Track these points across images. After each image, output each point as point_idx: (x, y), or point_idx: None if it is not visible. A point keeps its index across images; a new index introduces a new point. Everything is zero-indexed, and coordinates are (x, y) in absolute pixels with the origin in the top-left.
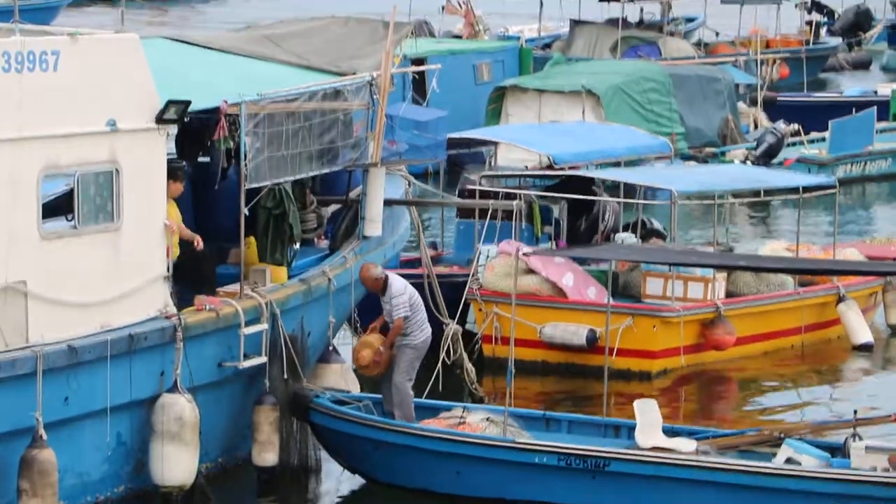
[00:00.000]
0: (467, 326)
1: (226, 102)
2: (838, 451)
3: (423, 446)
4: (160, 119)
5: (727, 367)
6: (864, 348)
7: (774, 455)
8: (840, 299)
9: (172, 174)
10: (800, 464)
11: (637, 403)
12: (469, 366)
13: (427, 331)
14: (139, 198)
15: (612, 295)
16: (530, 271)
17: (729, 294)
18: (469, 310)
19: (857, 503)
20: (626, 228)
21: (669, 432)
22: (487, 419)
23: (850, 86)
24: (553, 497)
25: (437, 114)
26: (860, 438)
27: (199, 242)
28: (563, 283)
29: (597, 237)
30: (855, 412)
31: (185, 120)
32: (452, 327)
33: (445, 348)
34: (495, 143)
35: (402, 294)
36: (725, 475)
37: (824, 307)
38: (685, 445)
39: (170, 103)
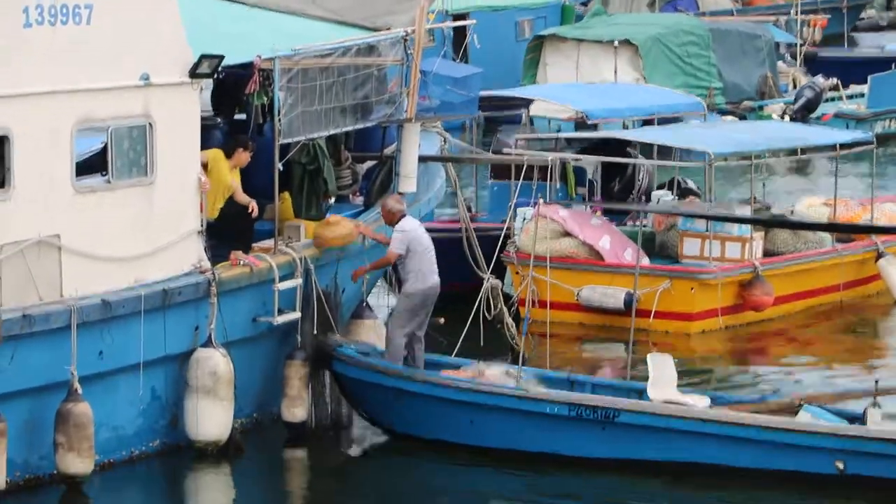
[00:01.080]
0: (504, 288)
1: (259, 57)
2: (857, 419)
3: (438, 394)
4: (193, 73)
5: (764, 329)
6: None
7: None
8: (879, 255)
9: (242, 143)
10: None
11: (650, 357)
12: (509, 320)
13: (427, 283)
14: (173, 152)
15: (649, 256)
16: (566, 234)
17: (766, 253)
18: (506, 272)
19: (862, 459)
20: (660, 188)
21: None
22: (506, 373)
23: (889, 42)
24: (564, 448)
25: (471, 70)
26: (880, 407)
27: (254, 208)
28: (600, 245)
29: (632, 197)
30: (876, 381)
31: (219, 75)
32: (491, 282)
33: (484, 303)
34: (528, 100)
35: (401, 231)
36: (733, 428)
37: (863, 263)
38: (698, 401)
39: (203, 57)
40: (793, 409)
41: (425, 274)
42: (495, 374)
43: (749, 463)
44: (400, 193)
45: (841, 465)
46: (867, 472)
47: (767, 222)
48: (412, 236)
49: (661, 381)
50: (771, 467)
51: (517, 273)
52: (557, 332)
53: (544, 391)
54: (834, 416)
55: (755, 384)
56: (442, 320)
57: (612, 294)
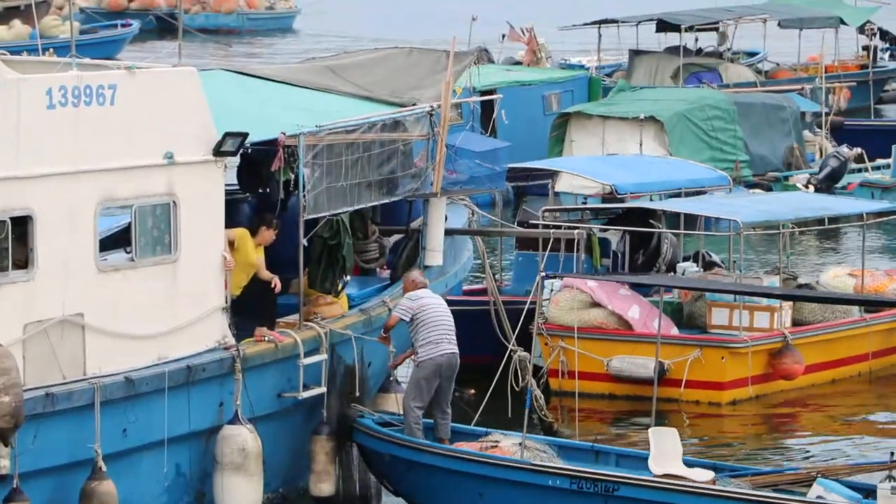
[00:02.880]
0: (533, 360)
1: (283, 134)
2: (873, 493)
3: (445, 465)
4: (218, 151)
5: (793, 398)
6: None
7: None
8: None
9: (267, 221)
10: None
11: (652, 431)
12: (538, 392)
13: (441, 351)
14: (197, 230)
15: (677, 326)
16: (595, 304)
17: (794, 322)
18: (534, 342)
19: None
20: (685, 260)
21: (709, 468)
22: (520, 444)
23: None
24: None
25: (498, 144)
26: (894, 480)
27: (277, 284)
28: (629, 315)
29: (656, 268)
30: (892, 454)
31: (245, 152)
32: (519, 354)
33: (512, 374)
34: (554, 173)
35: (409, 300)
36: (726, 503)
37: (891, 333)
38: (700, 475)
39: (227, 135)
40: (809, 481)
41: (436, 343)
42: (509, 446)
43: None
44: (426, 267)
45: None
46: None
47: (795, 297)
48: (419, 304)
49: (664, 455)
50: None
51: (546, 344)
52: (587, 404)
53: (545, 463)
54: (848, 489)
55: (779, 454)
56: (472, 392)
57: (642, 364)
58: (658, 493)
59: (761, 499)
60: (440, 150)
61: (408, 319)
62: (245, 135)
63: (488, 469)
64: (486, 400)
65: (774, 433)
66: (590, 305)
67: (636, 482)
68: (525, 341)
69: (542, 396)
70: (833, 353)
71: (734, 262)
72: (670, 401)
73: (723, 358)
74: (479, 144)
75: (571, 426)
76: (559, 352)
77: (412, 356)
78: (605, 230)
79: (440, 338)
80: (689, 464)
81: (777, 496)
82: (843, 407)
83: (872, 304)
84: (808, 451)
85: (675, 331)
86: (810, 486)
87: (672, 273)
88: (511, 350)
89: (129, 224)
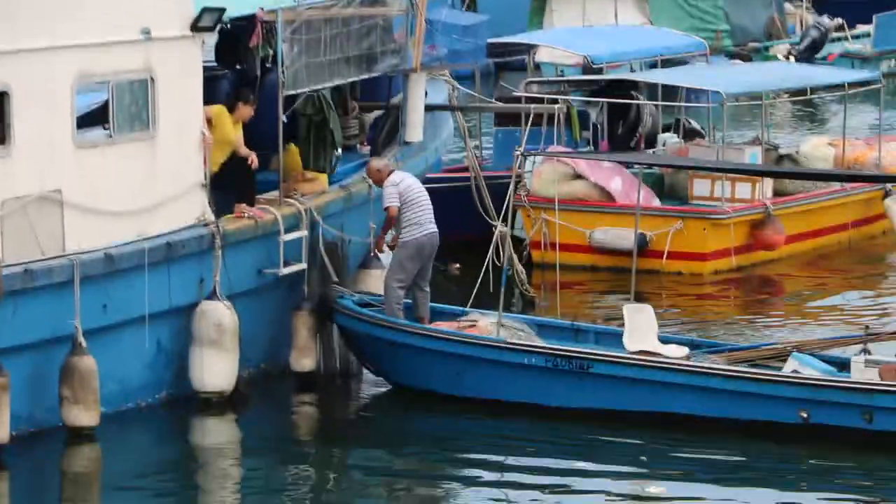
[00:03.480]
0: (515, 232)
1: (261, 9)
2: (848, 366)
3: (423, 345)
4: (195, 27)
5: (774, 269)
6: None
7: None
8: (886, 194)
9: (244, 97)
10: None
11: (626, 308)
12: (519, 267)
13: (424, 231)
14: (175, 106)
15: (659, 197)
16: (578, 176)
17: (775, 192)
18: (516, 215)
19: (821, 408)
20: (665, 130)
21: (686, 344)
22: (501, 324)
23: None
24: (544, 398)
25: (477, 18)
26: (869, 353)
27: (253, 160)
28: (612, 187)
29: (635, 140)
30: (866, 327)
31: (223, 27)
32: (500, 229)
33: (494, 250)
34: (534, 46)
35: (391, 185)
36: (701, 378)
37: (871, 202)
38: (674, 351)
39: (204, 10)
40: (784, 356)
41: (420, 224)
42: (487, 325)
43: (719, 412)
44: (406, 143)
45: (805, 415)
46: (830, 421)
47: (776, 174)
48: (403, 187)
49: (639, 332)
50: (739, 417)
51: (528, 216)
52: (569, 276)
53: (521, 341)
54: (822, 362)
55: (759, 328)
56: (456, 266)
57: (624, 235)
58: (631, 370)
59: (732, 374)
60: (419, 24)
61: (399, 204)
62: (222, 10)
63: (464, 348)
64: (479, 280)
65: (755, 305)
66: (572, 178)
67: (610, 359)
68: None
69: (524, 271)
70: (814, 224)
71: (717, 133)
72: (652, 272)
73: (704, 229)
74: (459, 19)
75: (553, 300)
76: (541, 224)
77: (395, 237)
78: (586, 102)
79: (423, 218)
80: (666, 340)
81: (748, 371)
82: (824, 278)
83: (851, 180)
84: (787, 324)
85: (656, 202)
86: (786, 360)
87: (652, 144)
88: (493, 226)
89: (107, 100)
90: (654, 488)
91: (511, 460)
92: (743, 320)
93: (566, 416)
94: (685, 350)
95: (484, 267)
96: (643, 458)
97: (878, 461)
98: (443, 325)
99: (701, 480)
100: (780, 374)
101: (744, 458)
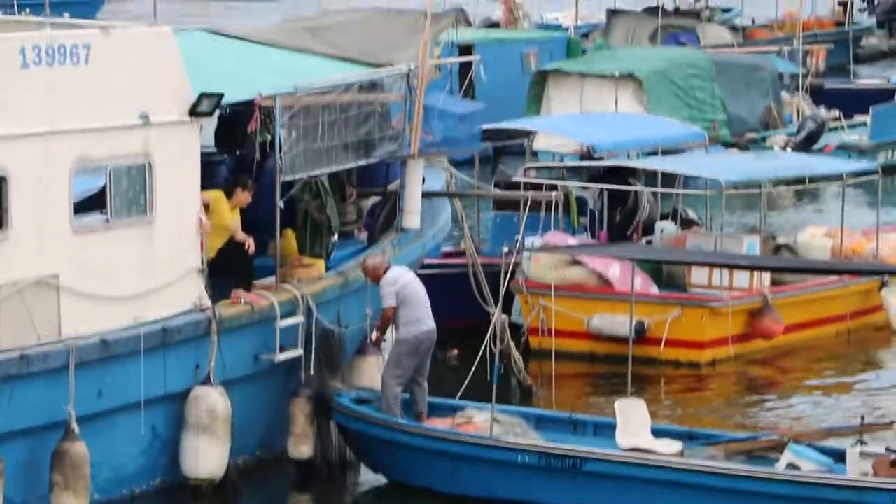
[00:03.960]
0: (512, 318)
1: (260, 95)
2: (843, 456)
3: (419, 444)
4: (193, 112)
5: (773, 358)
6: None
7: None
8: (883, 285)
9: (242, 182)
10: (798, 469)
11: (618, 403)
12: (516, 354)
13: (423, 328)
14: (172, 191)
15: (657, 285)
16: (576, 262)
17: (773, 282)
18: (514, 301)
19: None
20: (663, 218)
21: (683, 436)
22: (496, 419)
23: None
24: (537, 497)
25: (474, 106)
26: (864, 444)
27: (251, 246)
28: (610, 274)
29: (633, 228)
30: (862, 418)
31: (223, 112)
32: (499, 316)
33: (491, 338)
34: (532, 133)
35: (389, 285)
36: (694, 476)
37: (869, 293)
38: (667, 447)
39: (203, 96)
40: (781, 447)
41: (418, 320)
42: (482, 421)
43: None
44: (403, 229)
45: None
46: None
47: (773, 269)
48: (401, 285)
49: (631, 428)
50: None
51: (526, 302)
52: (567, 364)
53: (513, 440)
54: (819, 454)
55: (757, 417)
56: (455, 353)
57: (622, 322)
58: (624, 468)
59: (725, 471)
60: (417, 110)
61: (396, 304)
62: (221, 95)
63: (458, 447)
64: (472, 370)
65: (753, 395)
66: (570, 263)
67: (602, 457)
68: (505, 302)
69: (521, 358)
70: (812, 314)
71: (714, 221)
72: (650, 360)
73: (703, 317)
74: (456, 106)
75: (551, 389)
76: (539, 310)
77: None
78: (584, 189)
79: (421, 314)
80: (662, 432)
81: (741, 469)
82: (822, 368)
83: (850, 273)
84: (785, 414)
85: (654, 290)
86: (783, 451)
87: (650, 232)
88: (490, 313)
89: (105, 185)
90: None
91: None
92: (740, 410)
93: None
94: (679, 445)
95: (479, 355)
96: None
97: None
98: (438, 422)
99: None
100: (772, 471)
101: None
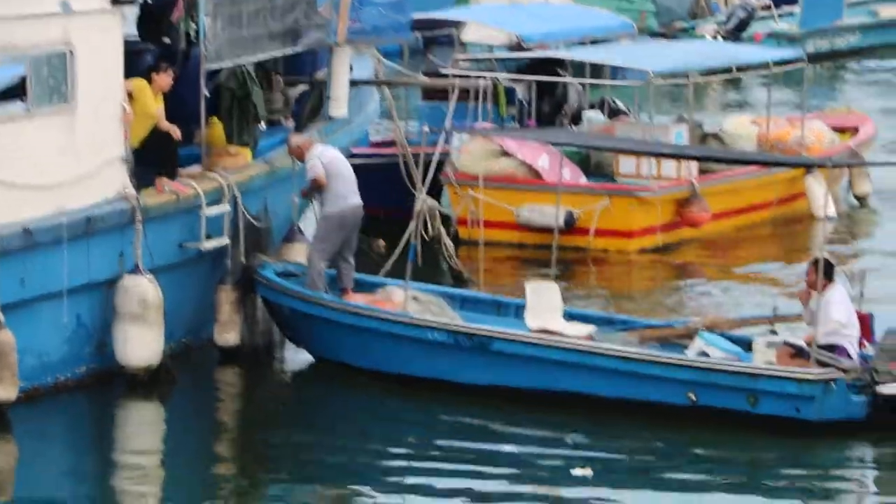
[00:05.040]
0: (443, 209)
1: None
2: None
3: (335, 319)
4: (115, 0)
5: (699, 247)
6: (828, 220)
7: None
8: (808, 171)
9: (159, 67)
10: (707, 356)
11: (529, 286)
12: (447, 240)
13: (349, 202)
14: (94, 80)
15: (586, 174)
16: (505, 154)
17: (701, 171)
18: (443, 192)
19: (708, 390)
20: (591, 108)
21: (601, 320)
22: (414, 297)
23: None
24: (447, 374)
25: None
26: (775, 334)
27: (176, 133)
28: (539, 164)
29: (561, 118)
30: (774, 308)
31: (145, 1)
32: (426, 202)
33: (422, 223)
34: (461, 23)
35: (315, 157)
36: (594, 358)
37: (795, 180)
38: (577, 329)
39: None
40: (694, 335)
41: (343, 196)
42: (401, 298)
43: (613, 392)
44: (330, 118)
45: (693, 397)
46: (717, 403)
47: (696, 157)
48: (328, 158)
49: (541, 309)
50: (633, 397)
51: (455, 193)
52: (497, 253)
53: (424, 317)
54: (729, 343)
55: (680, 305)
56: (383, 243)
57: (551, 213)
58: (530, 348)
59: (622, 354)
60: None
61: (324, 173)
62: None
63: (371, 322)
64: (399, 249)
65: (677, 282)
66: (499, 154)
67: (509, 337)
68: (435, 192)
69: (452, 245)
70: (739, 201)
71: (642, 111)
72: (579, 249)
73: (631, 206)
74: None
75: (479, 274)
76: (468, 201)
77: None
78: (513, 80)
79: (347, 190)
80: (581, 316)
81: (641, 352)
82: (746, 256)
83: (776, 165)
84: (706, 302)
85: (583, 180)
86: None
87: (578, 122)
88: (419, 199)
89: (25, 74)
90: (581, 471)
91: (427, 441)
92: (663, 298)
93: (486, 395)
94: (589, 329)
95: (405, 240)
96: (568, 440)
97: (761, 443)
98: (359, 298)
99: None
100: (667, 355)
101: (641, 444)
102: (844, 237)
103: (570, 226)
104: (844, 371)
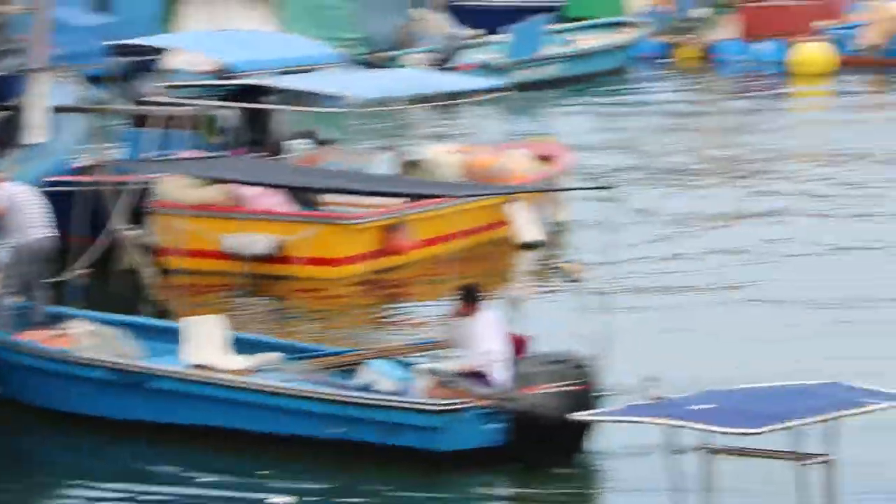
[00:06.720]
0: (148, 238)
1: None
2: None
3: (5, 357)
4: None
5: (403, 274)
6: (532, 246)
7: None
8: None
9: None
10: (372, 385)
11: (182, 322)
12: (147, 270)
13: (35, 235)
14: None
15: (296, 201)
16: (213, 181)
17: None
18: (146, 222)
19: (348, 423)
20: (299, 137)
21: (288, 349)
22: (92, 332)
23: None
24: (109, 412)
25: (102, 19)
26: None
27: None
28: (244, 191)
29: (266, 146)
30: (433, 338)
31: None
32: (128, 231)
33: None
34: (166, 50)
35: None
36: (232, 393)
37: (497, 208)
38: (234, 363)
39: None
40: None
41: (30, 227)
42: (80, 333)
43: (264, 428)
44: (25, 146)
45: (339, 430)
46: (355, 436)
47: (396, 194)
48: (10, 193)
49: (200, 344)
50: (283, 431)
51: (160, 222)
52: (205, 281)
53: (83, 355)
54: (403, 369)
55: (373, 331)
56: (83, 272)
57: (255, 241)
58: (181, 384)
59: (272, 390)
60: (40, 24)
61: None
62: None
63: (39, 361)
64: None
65: (374, 310)
66: (206, 182)
67: (163, 373)
68: (140, 221)
69: (153, 274)
70: (444, 228)
71: (349, 139)
72: (285, 278)
73: (336, 234)
74: (83, 20)
75: (182, 305)
76: (173, 230)
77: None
78: (220, 108)
79: (26, 224)
80: (268, 346)
81: (286, 387)
82: (443, 283)
83: (479, 196)
84: (403, 328)
85: (292, 207)
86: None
87: (284, 152)
88: (119, 230)
89: None
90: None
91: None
92: (362, 324)
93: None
94: (251, 361)
95: (102, 269)
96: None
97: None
98: (38, 334)
99: None
100: (306, 389)
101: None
102: (544, 262)
103: (277, 254)
104: (480, 398)
